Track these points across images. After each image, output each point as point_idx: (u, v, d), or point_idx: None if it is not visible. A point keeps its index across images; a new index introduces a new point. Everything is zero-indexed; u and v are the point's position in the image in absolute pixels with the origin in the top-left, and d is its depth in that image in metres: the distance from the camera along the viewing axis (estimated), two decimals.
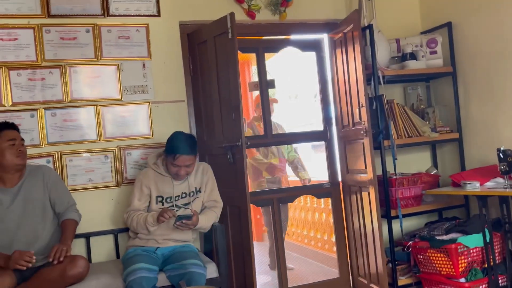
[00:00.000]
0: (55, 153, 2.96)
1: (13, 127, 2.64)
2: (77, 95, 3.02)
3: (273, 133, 3.73)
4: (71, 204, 2.73)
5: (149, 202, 2.76)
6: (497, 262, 3.03)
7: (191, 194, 2.79)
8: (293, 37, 3.72)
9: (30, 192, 2.62)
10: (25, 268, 2.34)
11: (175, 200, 2.76)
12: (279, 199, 3.60)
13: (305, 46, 3.77)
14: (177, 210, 2.72)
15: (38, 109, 2.94)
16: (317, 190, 3.85)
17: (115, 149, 3.08)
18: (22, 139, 2.65)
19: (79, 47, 3.03)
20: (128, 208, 2.78)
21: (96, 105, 3.06)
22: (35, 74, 2.94)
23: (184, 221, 2.58)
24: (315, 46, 3.76)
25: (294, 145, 4.75)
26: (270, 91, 3.87)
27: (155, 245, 2.70)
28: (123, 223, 2.90)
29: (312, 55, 3.77)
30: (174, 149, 2.67)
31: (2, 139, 2.54)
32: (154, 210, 2.73)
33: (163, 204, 2.74)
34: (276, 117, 4.59)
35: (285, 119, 5.36)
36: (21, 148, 2.59)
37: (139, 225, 2.67)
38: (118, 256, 3.02)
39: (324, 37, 3.71)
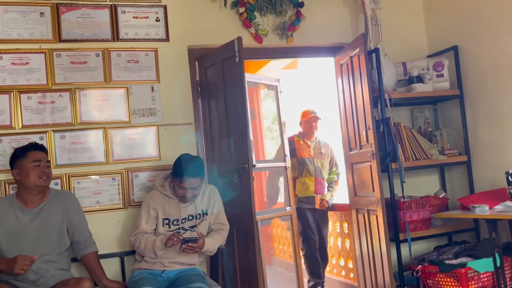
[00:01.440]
0: (63, 176, 2.98)
1: (41, 148, 2.67)
2: (86, 118, 3.06)
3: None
4: (90, 235, 2.75)
5: (156, 224, 2.76)
6: (508, 287, 2.98)
7: (198, 216, 2.79)
8: (301, 60, 3.76)
9: (50, 216, 2.62)
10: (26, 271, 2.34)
11: (182, 223, 2.75)
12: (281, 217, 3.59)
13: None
14: (183, 233, 2.72)
15: (47, 131, 2.98)
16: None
17: (122, 171, 3.09)
18: (48, 161, 2.68)
19: (89, 70, 3.08)
20: (135, 231, 2.78)
21: (104, 127, 3.09)
22: (45, 97, 2.99)
23: (190, 244, 2.57)
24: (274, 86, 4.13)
25: (340, 165, 4.29)
26: None
27: (161, 268, 2.69)
28: (130, 245, 2.90)
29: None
30: (180, 171, 2.68)
31: (28, 159, 2.57)
32: (160, 232, 2.73)
33: (169, 227, 2.74)
34: (322, 135, 4.46)
35: None
36: (45, 170, 2.61)
37: (146, 249, 2.66)
38: (124, 278, 3.00)
39: (330, 61, 3.75)
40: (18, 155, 2.59)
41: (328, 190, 4.30)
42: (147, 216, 2.75)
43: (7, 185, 2.87)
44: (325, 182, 4.32)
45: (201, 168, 2.74)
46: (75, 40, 3.08)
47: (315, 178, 4.23)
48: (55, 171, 2.96)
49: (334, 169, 4.36)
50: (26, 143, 2.77)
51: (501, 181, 3.09)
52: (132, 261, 2.95)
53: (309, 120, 4.34)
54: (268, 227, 5.63)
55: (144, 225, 2.74)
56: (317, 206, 4.18)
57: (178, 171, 2.69)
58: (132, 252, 2.93)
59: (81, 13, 3.10)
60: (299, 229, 4.21)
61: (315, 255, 4.21)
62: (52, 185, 2.92)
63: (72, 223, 2.68)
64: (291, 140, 4.30)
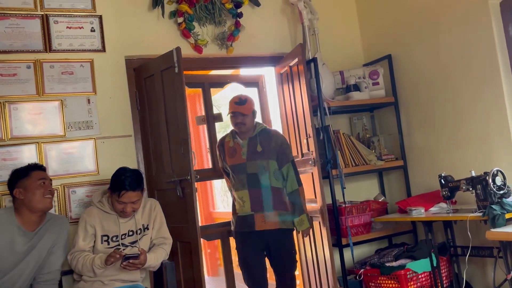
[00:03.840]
0: None
1: (42, 168, 2.64)
2: (17, 133, 2.91)
3: None
4: (58, 270, 2.65)
5: (94, 242, 2.66)
6: (444, 285, 3.10)
7: (139, 231, 2.71)
8: (237, 73, 3.79)
9: (42, 240, 2.55)
10: None
11: (122, 239, 2.67)
12: (229, 232, 3.56)
13: (247, 82, 3.88)
14: (124, 249, 2.63)
15: None
16: None
17: (59, 187, 2.96)
18: (51, 180, 2.64)
19: (20, 83, 2.94)
20: (72, 249, 2.66)
21: (38, 142, 2.95)
22: None
23: (131, 261, 2.49)
24: (256, 83, 3.87)
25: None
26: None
27: (101, 287, 2.58)
28: (67, 265, 2.77)
29: (253, 90, 3.86)
30: (118, 185, 2.60)
31: (32, 178, 2.53)
32: (99, 250, 2.63)
33: (108, 244, 2.64)
34: None
35: None
36: (50, 188, 2.57)
37: (84, 267, 2.55)
38: None
39: (269, 72, 3.80)
40: (20, 175, 2.55)
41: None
42: (84, 234, 2.64)
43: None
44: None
45: (140, 181, 2.67)
46: (4, 51, 2.93)
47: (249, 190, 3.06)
48: None
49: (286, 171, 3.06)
50: None
51: (435, 184, 3.22)
52: (71, 281, 2.82)
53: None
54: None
55: (82, 243, 2.63)
56: (257, 227, 3.00)
57: (116, 185, 2.61)
58: (70, 272, 2.80)
59: (9, 23, 2.96)
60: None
61: None
62: None
63: (52, 249, 2.58)
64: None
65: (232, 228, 3.16)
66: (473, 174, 2.81)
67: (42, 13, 3.04)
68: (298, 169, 3.15)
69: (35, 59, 2.99)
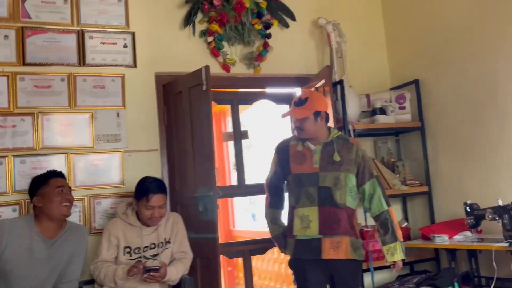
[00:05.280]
0: (22, 201, 2.89)
1: (61, 175, 2.69)
2: (48, 143, 3.00)
3: (246, 183, 3.73)
4: (77, 279, 2.67)
5: (117, 253, 2.70)
6: None
7: (160, 245, 2.74)
8: (268, 90, 3.80)
9: (61, 249, 2.59)
10: None
11: (144, 251, 2.70)
12: (250, 250, 3.56)
13: (279, 99, 3.86)
14: (145, 262, 2.66)
15: (7, 156, 2.90)
16: None
17: (84, 198, 3.03)
18: (70, 187, 2.69)
19: (53, 95, 3.04)
20: (95, 259, 2.70)
21: (67, 153, 3.03)
22: (6, 121, 2.91)
23: (152, 273, 2.52)
24: (288, 100, 3.84)
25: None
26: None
27: None
28: (90, 274, 2.81)
29: (286, 107, 3.85)
30: (145, 190, 2.67)
31: (51, 186, 2.58)
32: (121, 261, 2.66)
33: (130, 255, 2.68)
34: None
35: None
36: (68, 196, 2.61)
37: (107, 278, 2.59)
38: None
39: (297, 91, 3.81)
40: (40, 183, 2.60)
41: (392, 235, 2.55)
42: (108, 244, 2.68)
43: None
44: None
45: (164, 186, 2.77)
46: (40, 64, 3.04)
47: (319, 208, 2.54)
48: (13, 197, 2.88)
49: (371, 189, 2.56)
50: None
51: (460, 211, 3.16)
52: None
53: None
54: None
55: (105, 254, 2.67)
56: (324, 255, 2.49)
57: (142, 190, 2.68)
58: (92, 282, 2.84)
59: (47, 37, 3.07)
60: None
61: None
62: (10, 211, 2.84)
63: (71, 259, 2.62)
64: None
65: (285, 252, 2.68)
66: (500, 203, 2.76)
67: (78, 28, 3.15)
68: None
69: (69, 72, 3.09)
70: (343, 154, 2.53)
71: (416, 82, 3.73)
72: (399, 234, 2.54)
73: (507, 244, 2.64)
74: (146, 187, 2.68)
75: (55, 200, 2.55)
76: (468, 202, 2.94)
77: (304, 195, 2.52)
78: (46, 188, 2.58)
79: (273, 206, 2.76)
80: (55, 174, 2.66)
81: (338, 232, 2.49)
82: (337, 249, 2.48)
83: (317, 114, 2.52)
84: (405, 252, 2.57)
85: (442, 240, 3.06)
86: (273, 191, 2.74)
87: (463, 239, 3.07)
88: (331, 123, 3.27)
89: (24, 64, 3.00)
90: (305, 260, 2.53)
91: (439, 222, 3.47)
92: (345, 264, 2.50)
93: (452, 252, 3.05)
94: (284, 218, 2.74)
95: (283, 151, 2.65)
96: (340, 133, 2.67)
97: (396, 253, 2.51)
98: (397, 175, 3.65)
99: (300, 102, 2.53)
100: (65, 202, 2.58)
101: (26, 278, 2.49)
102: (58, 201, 2.56)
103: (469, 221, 2.90)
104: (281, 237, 2.70)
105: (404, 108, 3.68)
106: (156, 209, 2.68)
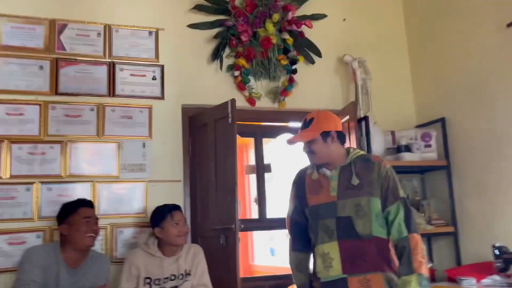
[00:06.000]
0: (47, 228, 2.93)
1: (90, 205, 2.71)
2: (75, 171, 3.05)
3: (268, 217, 3.70)
4: None
5: (137, 283, 2.69)
6: None
7: (180, 276, 2.72)
8: (291, 124, 3.82)
9: (84, 278, 2.60)
10: None
11: (164, 283, 2.68)
12: (270, 287, 3.50)
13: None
14: None
15: (35, 182, 2.95)
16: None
17: (107, 227, 3.05)
18: (97, 218, 2.71)
19: (82, 124, 3.11)
20: None
21: (92, 181, 3.08)
22: (36, 148, 2.99)
23: None
24: None
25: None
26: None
27: None
28: None
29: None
30: (165, 210, 2.75)
31: (79, 215, 2.60)
32: None
33: (150, 286, 2.66)
34: None
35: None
36: (94, 227, 2.63)
37: None
38: None
39: None
40: (68, 211, 2.62)
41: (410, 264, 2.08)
42: (128, 274, 2.68)
43: None
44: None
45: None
46: (72, 94, 3.13)
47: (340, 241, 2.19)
48: (38, 223, 2.91)
49: (394, 214, 2.15)
50: (13, 193, 2.77)
51: (488, 254, 3.07)
52: None
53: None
54: None
55: (125, 284, 2.66)
56: None
57: (163, 211, 2.76)
58: None
59: (79, 68, 3.17)
60: None
61: None
62: (34, 238, 2.88)
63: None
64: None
65: None
66: None
67: (110, 60, 3.25)
68: None
69: (99, 102, 3.17)
70: (363, 176, 2.16)
71: (442, 121, 3.69)
72: (418, 265, 2.03)
73: None
74: (166, 208, 2.77)
75: (81, 230, 2.56)
76: (497, 245, 2.85)
77: (322, 229, 2.17)
78: (73, 216, 2.60)
79: (297, 248, 2.33)
80: (84, 203, 2.68)
81: (366, 268, 2.08)
82: None
83: (326, 134, 2.20)
84: None
85: (470, 284, 2.96)
86: (295, 230, 2.34)
87: (492, 283, 2.96)
88: None
89: (56, 93, 3.09)
90: None
91: (466, 265, 3.36)
92: None
93: None
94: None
95: (299, 183, 2.32)
96: (362, 152, 2.28)
97: (410, 285, 2.01)
98: (422, 214, 3.57)
99: (306, 124, 2.24)
100: (91, 233, 2.60)
101: None
102: (84, 231, 2.57)
103: (498, 264, 2.81)
104: (307, 286, 2.29)
105: (430, 146, 3.64)
106: (182, 225, 2.73)
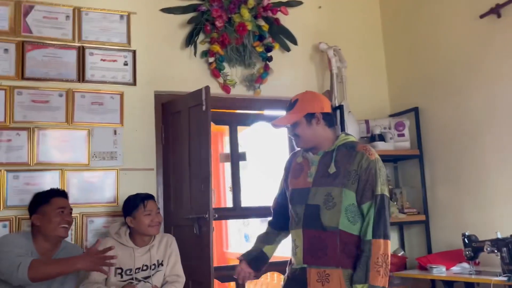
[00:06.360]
0: (12, 218, 2.83)
1: (64, 195, 2.62)
2: (43, 159, 2.96)
3: (242, 205, 3.68)
4: None
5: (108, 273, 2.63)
6: None
7: (153, 267, 2.68)
8: (266, 112, 3.78)
9: None
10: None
11: (135, 273, 2.63)
12: None
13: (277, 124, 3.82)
14: (136, 284, 2.60)
15: (0, 170, 2.85)
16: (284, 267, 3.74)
17: (77, 216, 2.97)
18: (71, 209, 2.62)
19: (51, 110, 3.01)
20: (85, 280, 2.63)
21: (62, 169, 2.99)
22: (1, 135, 2.88)
23: None
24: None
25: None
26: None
27: None
28: None
29: (284, 130, 3.83)
30: (138, 200, 2.69)
31: (52, 206, 2.50)
32: (112, 282, 2.59)
33: (122, 277, 2.61)
34: None
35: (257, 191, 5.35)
36: (67, 218, 2.54)
37: (95, 274, 2.51)
38: None
39: None
40: (41, 201, 2.53)
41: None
42: None
43: None
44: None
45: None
46: (39, 79, 3.01)
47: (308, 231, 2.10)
48: (4, 212, 2.82)
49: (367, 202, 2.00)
50: None
51: (458, 242, 3.12)
52: None
53: None
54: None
55: (96, 275, 2.60)
56: None
57: (135, 201, 2.69)
58: None
59: (47, 52, 3.05)
60: None
61: None
62: (0, 227, 2.78)
63: (65, 279, 2.54)
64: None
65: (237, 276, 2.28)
66: (499, 235, 2.72)
67: (79, 44, 3.14)
68: None
69: (68, 88, 3.07)
70: (341, 165, 2.02)
71: (415, 110, 3.72)
72: (373, 275, 1.89)
73: (505, 278, 2.59)
74: (139, 197, 2.71)
75: (54, 221, 2.48)
76: (467, 234, 2.90)
77: (293, 214, 2.11)
78: (46, 207, 2.51)
79: (270, 223, 2.31)
80: (58, 193, 2.59)
81: (326, 262, 1.98)
82: (327, 283, 1.96)
83: (310, 116, 2.08)
84: None
85: (440, 271, 3.01)
86: (276, 209, 2.30)
87: (461, 270, 3.02)
88: None
89: (23, 78, 2.97)
90: None
91: (436, 252, 3.42)
92: None
93: (449, 284, 3.00)
94: (285, 245, 2.34)
95: (287, 166, 2.26)
96: (351, 139, 2.13)
97: None
98: (395, 203, 3.61)
99: (290, 106, 2.13)
100: (64, 224, 2.52)
101: None
102: (57, 222, 2.48)
103: (467, 253, 2.86)
104: (245, 257, 2.26)
105: (403, 135, 3.67)
106: (154, 215, 2.67)
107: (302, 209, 2.05)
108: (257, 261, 2.26)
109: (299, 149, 2.23)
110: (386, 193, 2.00)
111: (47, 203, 2.52)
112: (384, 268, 1.91)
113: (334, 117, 2.19)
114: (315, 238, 2.01)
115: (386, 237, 1.95)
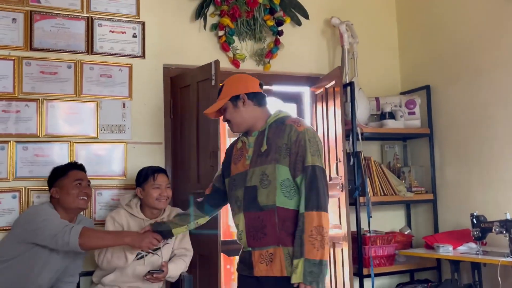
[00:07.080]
0: (22, 188, 2.84)
1: (81, 168, 2.65)
2: (52, 130, 2.95)
3: None
4: (79, 272, 2.68)
5: None
6: None
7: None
8: (276, 88, 3.74)
9: None
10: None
11: None
12: None
13: (286, 97, 3.79)
14: (145, 255, 2.62)
15: (10, 142, 2.85)
16: None
17: None
18: (89, 181, 2.66)
19: (59, 82, 2.98)
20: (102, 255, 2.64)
21: (70, 141, 2.98)
22: (10, 106, 2.86)
23: (155, 275, 2.49)
24: (296, 99, 3.80)
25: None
26: None
27: None
28: (87, 265, 2.78)
29: (293, 106, 3.80)
30: (149, 172, 2.70)
31: (69, 178, 2.55)
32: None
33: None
34: None
35: None
36: (86, 190, 2.58)
37: (115, 255, 2.52)
38: None
39: (306, 91, 3.76)
40: (58, 174, 2.57)
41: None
42: (113, 229, 2.63)
43: None
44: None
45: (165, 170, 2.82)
46: (47, 50, 2.98)
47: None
48: (13, 183, 2.83)
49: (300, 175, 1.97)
50: None
51: (465, 222, 3.13)
52: (88, 283, 2.81)
53: None
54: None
55: (115, 257, 2.60)
56: (256, 272, 2.00)
57: (147, 174, 2.71)
58: (89, 273, 2.79)
59: (55, 23, 3.01)
60: None
61: None
62: (10, 198, 2.80)
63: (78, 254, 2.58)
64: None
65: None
66: (508, 216, 2.71)
67: (88, 15, 3.10)
68: None
69: (76, 59, 3.04)
70: (272, 141, 1.99)
71: (427, 88, 3.67)
72: (308, 249, 1.86)
73: None
74: (150, 169, 2.73)
75: (72, 193, 2.52)
76: (475, 214, 2.89)
77: (234, 200, 2.08)
78: (64, 180, 2.55)
79: (195, 202, 2.33)
80: (75, 166, 2.63)
81: (266, 242, 1.95)
82: (270, 263, 1.94)
83: (235, 99, 2.06)
84: (316, 276, 1.85)
85: (446, 251, 3.02)
86: (210, 191, 2.28)
87: (468, 250, 3.03)
88: (339, 125, 3.24)
89: (31, 49, 2.94)
90: (243, 276, 2.08)
91: (443, 232, 3.42)
92: (281, 284, 1.92)
93: (455, 264, 3.01)
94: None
95: (228, 151, 2.22)
96: (282, 115, 2.09)
97: (295, 273, 1.86)
98: (403, 181, 3.60)
99: (218, 93, 2.14)
100: (83, 196, 2.56)
101: (41, 269, 2.45)
102: (75, 194, 2.53)
103: (475, 233, 2.86)
104: (155, 228, 2.34)
105: (413, 113, 3.62)
106: (163, 189, 2.68)
107: (242, 193, 2.03)
108: (161, 234, 2.36)
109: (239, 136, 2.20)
110: (318, 163, 1.95)
111: (65, 176, 2.56)
112: (319, 241, 1.86)
113: (264, 96, 2.15)
114: (254, 220, 1.98)
115: (319, 208, 1.90)
